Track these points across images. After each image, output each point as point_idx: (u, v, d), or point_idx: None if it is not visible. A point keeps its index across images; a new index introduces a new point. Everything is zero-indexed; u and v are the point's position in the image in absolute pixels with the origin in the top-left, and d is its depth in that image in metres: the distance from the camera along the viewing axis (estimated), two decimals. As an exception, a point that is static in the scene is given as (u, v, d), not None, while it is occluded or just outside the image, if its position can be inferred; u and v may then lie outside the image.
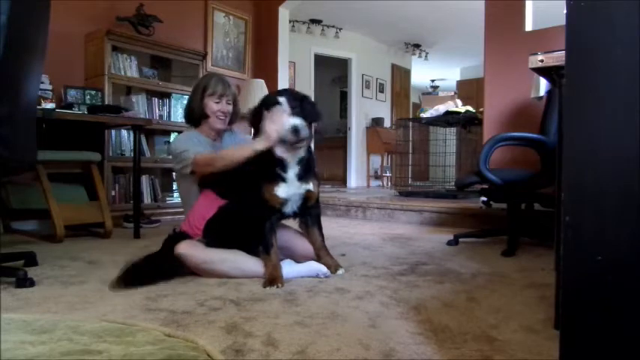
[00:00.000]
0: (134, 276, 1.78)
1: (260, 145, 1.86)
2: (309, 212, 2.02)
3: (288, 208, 1.94)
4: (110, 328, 1.27)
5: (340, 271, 1.99)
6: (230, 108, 2.25)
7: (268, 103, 1.89)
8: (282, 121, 1.80)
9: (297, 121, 1.80)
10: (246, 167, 1.94)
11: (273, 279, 1.78)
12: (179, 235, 1.99)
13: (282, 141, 1.82)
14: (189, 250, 1.88)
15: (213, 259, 1.87)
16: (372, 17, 7.15)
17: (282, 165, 1.88)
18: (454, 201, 4.19)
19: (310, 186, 1.95)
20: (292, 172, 1.89)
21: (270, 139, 1.82)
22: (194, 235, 1.98)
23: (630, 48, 0.73)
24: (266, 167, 1.89)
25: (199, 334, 1.25)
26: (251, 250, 1.95)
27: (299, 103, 1.86)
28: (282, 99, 1.84)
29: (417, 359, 1.10)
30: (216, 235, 1.93)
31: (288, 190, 1.89)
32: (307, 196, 1.95)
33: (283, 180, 1.88)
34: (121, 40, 3.79)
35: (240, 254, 1.91)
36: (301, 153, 1.90)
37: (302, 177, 1.91)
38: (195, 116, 2.23)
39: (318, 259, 2.01)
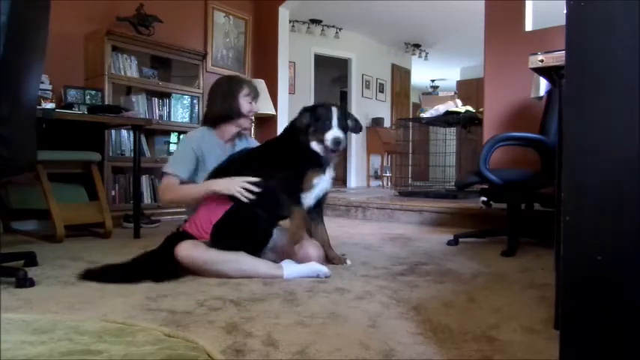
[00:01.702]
0: (105, 273, 1.86)
1: (215, 187, 2.01)
2: (319, 209, 2.19)
3: (311, 200, 2.08)
4: (110, 328, 1.27)
5: (348, 262, 2.20)
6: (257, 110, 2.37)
7: (316, 109, 2.09)
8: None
9: (339, 134, 2.01)
10: (282, 153, 2.11)
11: (294, 234, 1.97)
12: (182, 235, 1.99)
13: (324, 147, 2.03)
14: (191, 251, 1.88)
15: (214, 259, 1.87)
16: (372, 17, 7.14)
17: (323, 164, 2.07)
18: (454, 201, 4.19)
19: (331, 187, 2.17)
20: (329, 173, 2.11)
21: (230, 191, 1.98)
22: (200, 238, 1.97)
23: (630, 48, 0.73)
24: (311, 159, 2.06)
25: (199, 334, 1.25)
26: (254, 252, 1.95)
27: (344, 116, 2.09)
28: (333, 109, 2.05)
29: (417, 359, 1.11)
30: (225, 238, 1.92)
31: (322, 184, 2.08)
32: (325, 195, 2.16)
33: (324, 173, 2.08)
34: (121, 40, 3.79)
35: (242, 255, 1.91)
36: (336, 159, 2.14)
37: (334, 179, 2.15)
38: (232, 115, 2.26)
39: (325, 254, 2.16)
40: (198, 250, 1.88)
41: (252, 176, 1.98)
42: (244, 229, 1.96)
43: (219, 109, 2.26)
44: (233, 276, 1.86)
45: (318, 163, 2.06)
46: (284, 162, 2.07)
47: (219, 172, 2.08)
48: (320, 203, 2.18)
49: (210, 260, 1.87)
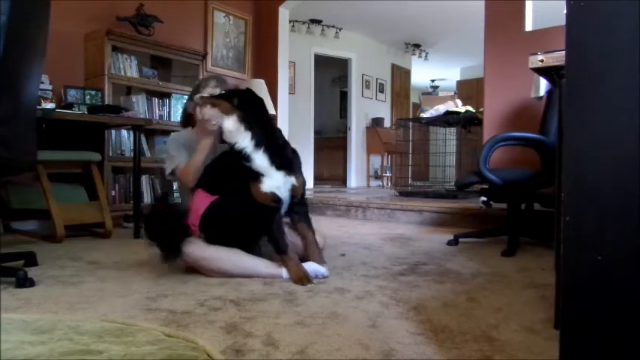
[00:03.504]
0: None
1: (204, 144, 2.04)
2: (295, 209, 2.02)
3: (283, 207, 1.95)
4: (110, 328, 1.27)
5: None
6: None
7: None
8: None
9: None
10: (224, 167, 1.99)
11: (300, 278, 1.79)
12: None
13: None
14: (188, 248, 1.89)
15: (212, 256, 1.87)
16: (372, 17, 7.15)
17: (245, 157, 1.86)
18: (454, 201, 4.19)
19: (293, 180, 1.93)
20: (261, 161, 1.86)
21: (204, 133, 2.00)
22: (193, 232, 1.97)
23: (630, 48, 0.73)
24: (236, 165, 1.88)
25: (199, 334, 1.25)
26: (250, 249, 1.95)
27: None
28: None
29: (417, 359, 1.11)
30: (213, 228, 1.92)
31: (273, 182, 1.87)
32: (292, 192, 1.94)
33: (260, 174, 1.86)
34: (121, 40, 3.79)
35: (239, 253, 1.91)
36: (240, 135, 1.86)
37: (280, 166, 1.88)
38: (191, 119, 2.24)
39: (305, 251, 1.99)
40: (196, 246, 1.89)
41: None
42: (232, 220, 1.92)
43: (184, 113, 2.31)
44: (232, 272, 1.86)
45: (252, 170, 1.86)
46: (231, 179, 1.94)
47: (204, 180, 2.06)
48: (293, 203, 1.98)
49: (209, 256, 1.87)
